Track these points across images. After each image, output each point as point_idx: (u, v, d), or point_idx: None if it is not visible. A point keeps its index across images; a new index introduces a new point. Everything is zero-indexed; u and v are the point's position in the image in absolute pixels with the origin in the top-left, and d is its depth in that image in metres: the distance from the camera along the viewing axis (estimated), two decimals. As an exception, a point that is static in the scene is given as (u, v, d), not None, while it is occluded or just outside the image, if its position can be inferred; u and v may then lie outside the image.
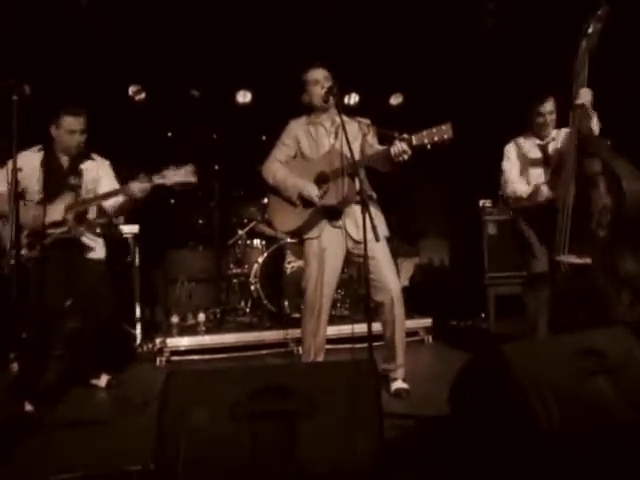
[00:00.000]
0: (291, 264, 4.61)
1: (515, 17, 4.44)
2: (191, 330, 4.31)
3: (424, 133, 2.66)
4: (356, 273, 4.81)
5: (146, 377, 3.56)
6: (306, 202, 3.03)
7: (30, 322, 3.04)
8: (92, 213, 3.32)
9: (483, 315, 5.15)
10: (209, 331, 4.26)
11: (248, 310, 4.75)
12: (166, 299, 5.31)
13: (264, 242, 4.94)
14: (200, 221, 5.63)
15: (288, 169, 3.13)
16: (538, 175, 3.33)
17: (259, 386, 1.52)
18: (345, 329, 4.07)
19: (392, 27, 4.72)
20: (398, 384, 3.04)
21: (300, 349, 3.93)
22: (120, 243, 4.39)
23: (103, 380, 3.37)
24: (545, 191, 3.13)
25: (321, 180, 3.00)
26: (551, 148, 3.33)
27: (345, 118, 2.87)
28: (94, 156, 3.42)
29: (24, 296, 2.71)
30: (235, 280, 4.97)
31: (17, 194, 2.64)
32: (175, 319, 4.31)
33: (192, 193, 5.33)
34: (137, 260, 4.54)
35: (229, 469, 1.42)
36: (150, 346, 4.18)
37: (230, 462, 1.43)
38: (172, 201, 5.69)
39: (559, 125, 3.35)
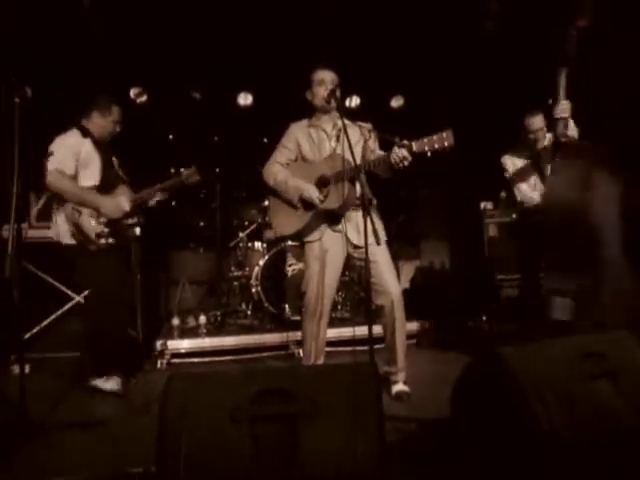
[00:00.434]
0: (292, 267, 4.61)
1: (515, 19, 4.44)
2: (192, 332, 4.31)
3: (425, 140, 2.63)
4: (357, 276, 4.82)
5: (147, 379, 3.55)
6: (307, 204, 3.03)
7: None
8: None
9: (484, 317, 5.14)
10: (210, 333, 4.26)
11: (249, 313, 4.75)
12: (167, 301, 5.32)
13: (265, 245, 4.95)
14: (201, 223, 5.64)
15: (289, 172, 3.12)
16: (533, 182, 3.60)
17: (260, 389, 1.52)
18: (346, 332, 4.08)
19: (393, 30, 4.73)
20: (399, 387, 3.03)
21: (301, 352, 3.93)
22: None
23: (112, 382, 3.29)
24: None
25: (322, 184, 3.00)
26: (543, 157, 3.56)
27: (347, 122, 2.87)
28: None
29: (26, 298, 2.71)
30: (236, 282, 4.98)
31: (19, 195, 2.64)
32: (176, 321, 4.31)
33: (193, 195, 5.34)
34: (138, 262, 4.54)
35: (230, 472, 1.42)
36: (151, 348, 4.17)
37: (231, 465, 1.43)
38: (173, 203, 5.69)
39: None
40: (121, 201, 3.27)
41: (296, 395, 1.53)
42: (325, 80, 3.04)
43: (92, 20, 4.31)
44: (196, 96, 5.57)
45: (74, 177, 3.19)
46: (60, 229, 3.21)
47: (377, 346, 2.64)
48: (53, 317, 4.53)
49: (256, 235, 5.16)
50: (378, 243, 2.59)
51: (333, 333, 4.12)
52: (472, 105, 5.41)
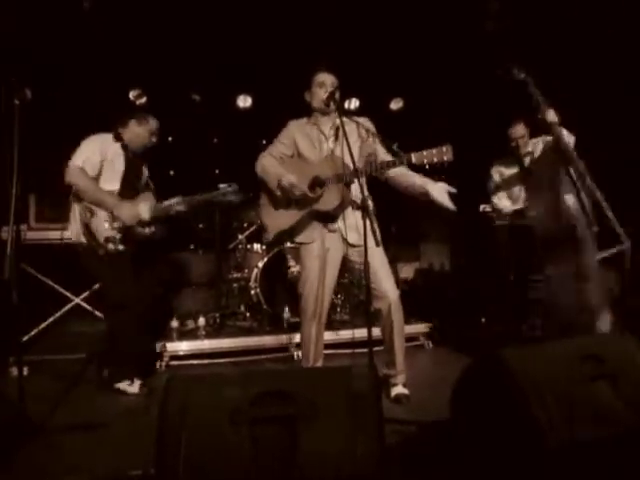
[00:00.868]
0: (291, 269, 4.61)
1: (516, 19, 4.44)
2: (191, 334, 4.30)
3: (424, 153, 2.67)
4: (356, 279, 4.81)
5: (146, 381, 3.54)
6: (297, 201, 3.01)
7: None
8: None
9: (483, 319, 5.13)
10: (209, 336, 4.24)
11: (248, 315, 4.74)
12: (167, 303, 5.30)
13: (264, 247, 4.94)
14: (200, 225, 5.63)
15: (283, 167, 3.08)
16: (518, 190, 3.74)
17: (260, 391, 1.52)
18: (345, 334, 4.08)
19: (392, 32, 4.73)
20: (398, 389, 3.03)
21: (300, 354, 3.94)
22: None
23: (136, 386, 3.31)
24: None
25: (316, 184, 2.99)
26: (528, 161, 3.65)
27: (344, 119, 2.86)
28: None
29: (24, 300, 2.71)
30: (235, 284, 4.97)
31: (18, 197, 2.63)
32: (175, 323, 4.30)
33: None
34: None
35: (230, 474, 1.42)
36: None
37: (231, 467, 1.42)
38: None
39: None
40: (140, 208, 3.26)
41: (295, 397, 1.53)
42: (325, 82, 3.05)
43: (92, 21, 4.31)
44: (196, 98, 5.58)
45: (96, 177, 3.20)
46: (72, 227, 3.22)
47: (376, 348, 2.64)
48: (52, 319, 4.53)
49: (255, 237, 5.15)
50: (377, 244, 2.59)
51: (332, 335, 4.12)
52: (472, 107, 5.42)
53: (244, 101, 5.82)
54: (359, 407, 1.57)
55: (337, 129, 3.06)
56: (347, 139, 2.67)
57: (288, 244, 4.54)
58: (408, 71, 5.22)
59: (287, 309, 4.39)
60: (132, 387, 3.26)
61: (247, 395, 1.51)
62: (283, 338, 4.16)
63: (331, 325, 4.43)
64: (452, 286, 5.89)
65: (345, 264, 3.14)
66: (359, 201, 2.94)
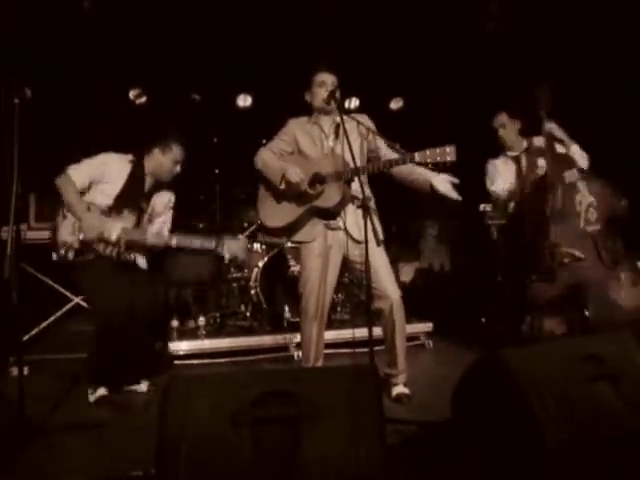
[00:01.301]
0: (291, 268, 4.60)
1: (515, 19, 4.45)
2: (191, 334, 4.29)
3: (427, 152, 2.68)
4: (357, 279, 4.80)
5: (153, 381, 3.53)
6: (297, 196, 3.00)
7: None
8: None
9: (484, 319, 5.13)
10: (209, 335, 4.24)
11: (248, 314, 4.72)
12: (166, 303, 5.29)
13: (264, 246, 4.93)
14: (201, 225, 5.62)
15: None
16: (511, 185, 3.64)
17: (261, 391, 1.51)
18: (346, 333, 4.06)
19: (392, 31, 4.73)
20: (399, 389, 3.03)
21: (300, 354, 3.94)
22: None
23: (144, 386, 3.30)
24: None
25: (316, 181, 2.98)
26: (524, 159, 3.58)
27: (344, 119, 2.86)
28: (168, 193, 3.49)
29: (24, 299, 2.71)
30: (235, 284, 4.96)
31: (18, 196, 2.63)
32: (175, 323, 4.30)
33: (193, 197, 5.33)
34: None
35: (231, 475, 1.42)
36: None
37: (232, 468, 1.42)
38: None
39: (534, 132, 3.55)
40: (112, 226, 3.14)
41: (297, 397, 1.52)
42: (326, 82, 3.04)
43: (92, 21, 4.30)
44: (196, 97, 5.57)
45: (83, 188, 3.17)
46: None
47: (377, 348, 2.64)
48: (52, 319, 4.53)
49: (256, 236, 5.15)
50: (378, 244, 2.59)
51: (332, 335, 4.11)
52: (472, 106, 5.41)
53: (244, 100, 5.81)
54: (360, 407, 1.57)
55: (337, 127, 3.05)
56: (347, 137, 2.68)
57: (289, 244, 4.54)
58: (408, 70, 5.22)
59: (287, 309, 4.38)
60: (91, 395, 3.15)
61: (248, 395, 1.50)
62: (283, 338, 4.16)
63: (331, 324, 4.43)
64: (452, 286, 5.89)
65: (345, 264, 3.12)
66: (360, 198, 2.93)
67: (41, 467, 2.26)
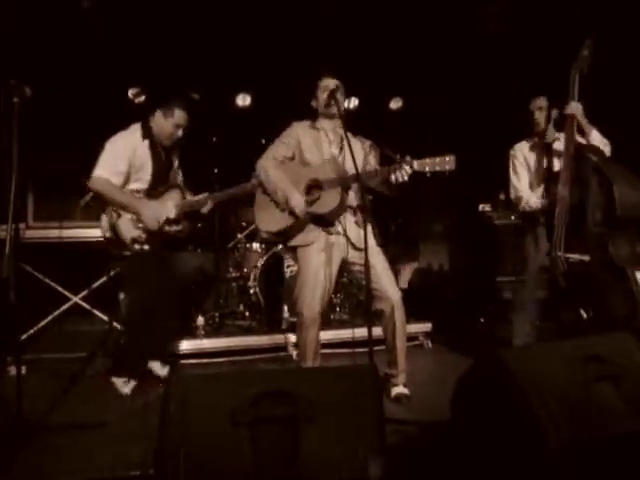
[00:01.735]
0: (290, 268, 4.59)
1: (515, 20, 4.44)
2: (190, 333, 4.28)
3: (427, 161, 2.69)
4: (357, 280, 4.80)
5: (143, 386, 3.52)
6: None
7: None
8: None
9: (482, 319, 5.14)
10: (208, 335, 4.23)
11: (247, 314, 4.72)
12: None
13: (263, 246, 4.93)
14: (199, 224, 5.61)
15: (282, 170, 3.07)
16: (541, 175, 3.44)
17: (260, 391, 1.51)
18: (345, 333, 4.06)
19: (392, 31, 4.72)
20: (399, 389, 3.02)
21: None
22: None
23: (128, 387, 3.28)
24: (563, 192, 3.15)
25: (314, 186, 2.97)
26: (556, 146, 3.38)
27: (349, 135, 2.88)
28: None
29: (22, 299, 2.70)
30: (234, 284, 4.95)
31: (17, 195, 2.62)
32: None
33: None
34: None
35: (230, 475, 1.41)
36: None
37: (231, 468, 1.42)
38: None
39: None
40: (166, 207, 3.26)
41: (296, 397, 1.52)
42: (328, 86, 3.04)
43: (90, 20, 4.29)
44: (194, 97, 5.56)
45: (124, 180, 3.22)
46: (102, 226, 3.26)
47: (376, 348, 2.64)
48: (50, 318, 4.52)
49: (254, 236, 5.14)
50: (378, 244, 2.60)
51: (332, 335, 4.11)
52: (471, 106, 5.41)
53: (243, 100, 5.80)
54: (360, 407, 1.56)
55: (341, 139, 3.07)
56: (350, 144, 2.70)
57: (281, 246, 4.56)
58: (408, 70, 5.21)
59: (286, 309, 4.38)
60: (124, 387, 3.22)
61: (247, 395, 1.50)
62: (282, 338, 4.15)
63: (330, 325, 4.43)
64: (451, 286, 5.90)
65: (344, 266, 3.11)
66: (355, 207, 3.03)
67: (39, 467, 2.25)
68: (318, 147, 3.09)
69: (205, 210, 3.41)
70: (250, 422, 1.46)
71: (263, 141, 5.32)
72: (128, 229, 3.19)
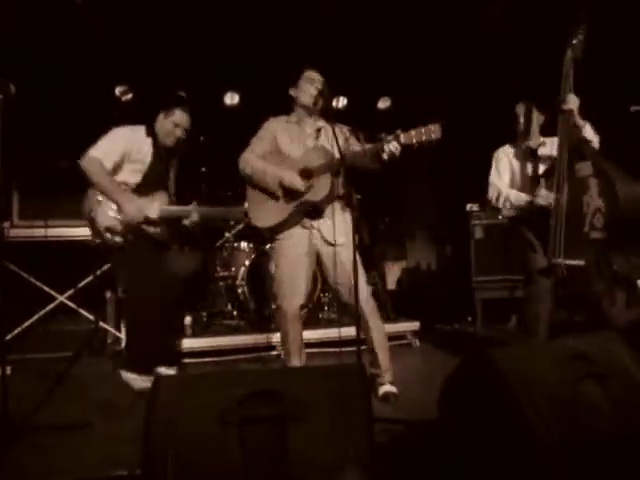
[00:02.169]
0: (278, 267, 4.58)
1: (507, 20, 4.46)
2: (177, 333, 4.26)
3: (412, 132, 2.68)
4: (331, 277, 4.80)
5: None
6: (287, 194, 2.98)
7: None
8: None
9: (470, 319, 5.17)
10: (195, 334, 4.22)
11: (235, 313, 4.71)
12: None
13: (251, 245, 4.92)
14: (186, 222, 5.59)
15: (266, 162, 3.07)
16: (526, 180, 3.34)
17: (248, 391, 1.50)
18: (332, 333, 4.06)
19: (380, 30, 4.73)
20: (386, 388, 3.02)
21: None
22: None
23: (172, 370, 3.34)
24: (545, 196, 3.10)
25: (304, 176, 2.94)
26: (541, 152, 3.33)
27: (326, 124, 3.02)
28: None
29: (7, 298, 2.67)
30: (222, 283, 4.94)
31: (1, 194, 2.59)
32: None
33: (178, 195, 5.30)
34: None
35: (218, 474, 1.41)
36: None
37: (219, 467, 1.41)
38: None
39: (549, 133, 3.38)
40: (150, 206, 3.23)
41: (284, 397, 1.51)
42: (314, 79, 3.02)
43: (78, 19, 4.25)
44: (181, 95, 5.53)
45: (116, 168, 3.22)
46: (83, 209, 3.25)
47: (364, 347, 2.64)
48: (36, 318, 4.47)
49: (242, 235, 5.13)
50: (364, 243, 2.61)
51: (320, 334, 4.12)
52: (460, 106, 5.43)
53: (231, 98, 5.78)
54: (348, 406, 1.56)
55: (318, 130, 3.10)
56: (334, 132, 2.69)
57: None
58: (396, 70, 5.22)
59: (274, 308, 4.37)
60: (139, 382, 3.17)
61: (235, 395, 1.49)
62: (270, 337, 4.15)
63: (319, 324, 4.43)
64: (439, 285, 5.93)
65: (320, 261, 3.09)
66: (342, 196, 3.02)
67: (25, 468, 2.23)
68: (296, 139, 3.08)
69: (187, 222, 3.37)
70: (238, 422, 1.45)
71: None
72: (105, 216, 3.16)
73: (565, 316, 3.19)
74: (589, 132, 3.09)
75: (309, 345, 3.69)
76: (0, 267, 2.65)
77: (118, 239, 3.17)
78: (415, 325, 4.51)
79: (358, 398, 1.59)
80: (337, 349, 3.66)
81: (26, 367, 3.71)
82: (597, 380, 1.72)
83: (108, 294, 4.33)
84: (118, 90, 5.35)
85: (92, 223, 3.19)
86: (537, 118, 3.36)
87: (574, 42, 3.04)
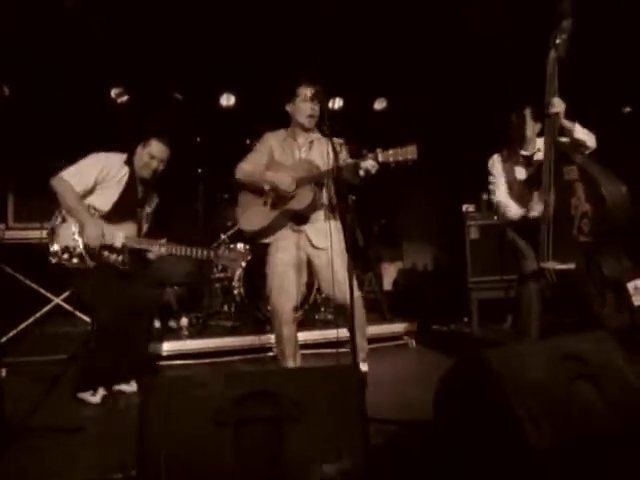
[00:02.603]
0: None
1: (501, 22, 4.47)
2: (173, 334, 4.26)
3: (390, 152, 2.78)
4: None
5: (111, 393, 3.49)
6: (275, 200, 3.11)
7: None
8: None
9: (466, 319, 5.17)
10: (192, 336, 4.22)
11: (231, 314, 4.72)
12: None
13: (247, 246, 4.91)
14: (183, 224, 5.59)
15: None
16: (522, 187, 3.30)
17: (244, 392, 1.51)
18: (329, 334, 4.07)
19: (376, 31, 4.73)
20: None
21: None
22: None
23: (133, 386, 3.27)
24: (538, 208, 3.09)
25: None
26: (537, 158, 3.27)
27: (319, 136, 3.17)
28: (156, 198, 3.55)
29: (3, 300, 2.66)
30: (218, 284, 4.94)
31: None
32: (157, 323, 4.26)
33: (175, 196, 5.30)
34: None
35: (213, 475, 1.41)
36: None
37: (214, 468, 1.41)
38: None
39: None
40: (114, 234, 3.18)
41: (280, 398, 1.52)
42: (310, 97, 3.07)
43: (73, 19, 4.25)
44: (178, 97, 5.53)
45: (87, 191, 3.19)
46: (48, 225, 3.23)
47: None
48: (31, 320, 4.46)
49: (238, 236, 5.13)
50: (358, 244, 2.66)
51: (316, 335, 4.12)
52: (455, 107, 5.45)
53: (227, 100, 5.78)
54: (343, 407, 1.56)
55: (311, 143, 3.21)
56: (332, 141, 2.74)
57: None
58: (392, 71, 5.23)
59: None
60: (94, 397, 3.13)
61: (231, 396, 1.49)
62: (266, 338, 4.15)
63: (314, 325, 4.43)
64: (435, 285, 5.93)
65: (310, 264, 3.19)
66: (327, 205, 3.17)
67: (21, 470, 2.22)
68: (289, 153, 3.20)
69: (152, 256, 3.33)
70: (233, 423, 1.46)
71: (247, 141, 5.32)
72: (65, 237, 3.14)
73: (556, 319, 3.18)
74: (580, 132, 3.03)
75: (305, 346, 3.69)
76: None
77: (75, 261, 3.12)
78: (411, 326, 4.51)
79: (353, 399, 1.60)
80: (333, 350, 3.68)
81: (22, 370, 3.70)
82: (590, 380, 1.73)
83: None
84: (114, 92, 5.34)
85: (50, 241, 3.15)
86: (533, 127, 3.31)
87: (557, 41, 2.99)
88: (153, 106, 5.38)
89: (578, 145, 3.03)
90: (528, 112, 3.33)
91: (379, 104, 6.03)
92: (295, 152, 3.20)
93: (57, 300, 4.57)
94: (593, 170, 2.96)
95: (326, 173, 2.97)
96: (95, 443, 2.48)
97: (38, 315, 4.51)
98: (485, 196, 5.10)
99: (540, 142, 3.26)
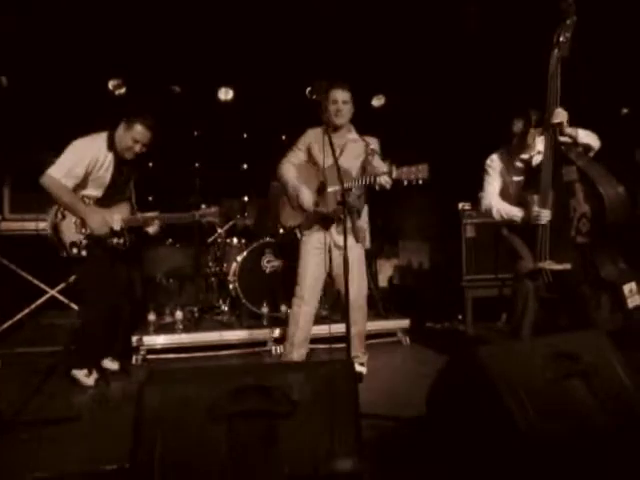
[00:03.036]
0: (270, 263, 4.60)
1: (497, 19, 4.47)
2: (168, 328, 4.26)
3: (403, 170, 2.95)
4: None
5: (122, 375, 3.51)
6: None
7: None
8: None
9: (460, 317, 5.19)
10: (186, 329, 4.22)
11: (226, 309, 4.72)
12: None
13: (243, 241, 4.92)
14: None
15: (298, 172, 3.38)
16: (519, 189, 3.32)
17: (238, 386, 1.51)
18: (323, 329, 4.07)
19: (374, 28, 4.73)
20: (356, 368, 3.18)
21: (279, 349, 3.97)
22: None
23: (92, 379, 3.29)
24: (545, 217, 3.07)
25: (322, 189, 3.27)
26: (535, 161, 3.27)
27: (355, 136, 3.35)
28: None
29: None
30: (213, 278, 4.94)
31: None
32: (152, 317, 4.26)
33: (172, 190, 5.29)
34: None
35: (207, 469, 1.42)
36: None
37: (208, 462, 1.42)
38: (150, 198, 5.63)
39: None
40: (112, 218, 3.24)
41: (274, 392, 1.53)
42: (337, 99, 3.27)
43: (70, 10, 4.23)
44: (175, 89, 5.52)
45: (78, 184, 3.19)
46: (48, 222, 3.24)
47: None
48: (26, 311, 4.46)
49: (234, 231, 5.14)
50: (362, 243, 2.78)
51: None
52: (453, 104, 5.45)
53: (225, 94, 5.77)
54: (336, 402, 1.57)
55: (344, 144, 3.33)
56: (332, 151, 2.93)
57: (267, 238, 4.59)
58: (391, 68, 5.23)
59: (266, 303, 4.38)
60: (88, 379, 3.24)
61: (225, 390, 1.50)
62: (261, 333, 4.16)
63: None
64: (430, 283, 5.94)
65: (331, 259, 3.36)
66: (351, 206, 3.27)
67: (14, 461, 2.23)
68: (324, 152, 3.25)
69: (151, 230, 3.41)
70: (227, 417, 1.47)
71: (245, 135, 5.33)
72: (69, 232, 3.18)
73: (550, 319, 3.20)
74: (585, 138, 3.02)
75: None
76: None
77: (84, 253, 3.19)
78: (405, 323, 4.52)
79: (347, 394, 1.61)
80: (327, 345, 3.70)
81: (17, 361, 3.70)
82: (581, 378, 1.74)
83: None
84: (111, 84, 5.32)
85: (57, 239, 3.19)
86: (534, 133, 3.27)
87: (561, 40, 2.96)
88: (151, 99, 5.37)
89: (584, 148, 3.04)
90: (532, 119, 3.25)
91: (377, 101, 6.03)
92: (329, 153, 3.16)
93: (52, 292, 4.57)
94: (592, 171, 2.96)
95: (352, 180, 3.13)
96: (89, 435, 2.49)
97: (33, 306, 4.51)
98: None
99: (539, 144, 3.25)
